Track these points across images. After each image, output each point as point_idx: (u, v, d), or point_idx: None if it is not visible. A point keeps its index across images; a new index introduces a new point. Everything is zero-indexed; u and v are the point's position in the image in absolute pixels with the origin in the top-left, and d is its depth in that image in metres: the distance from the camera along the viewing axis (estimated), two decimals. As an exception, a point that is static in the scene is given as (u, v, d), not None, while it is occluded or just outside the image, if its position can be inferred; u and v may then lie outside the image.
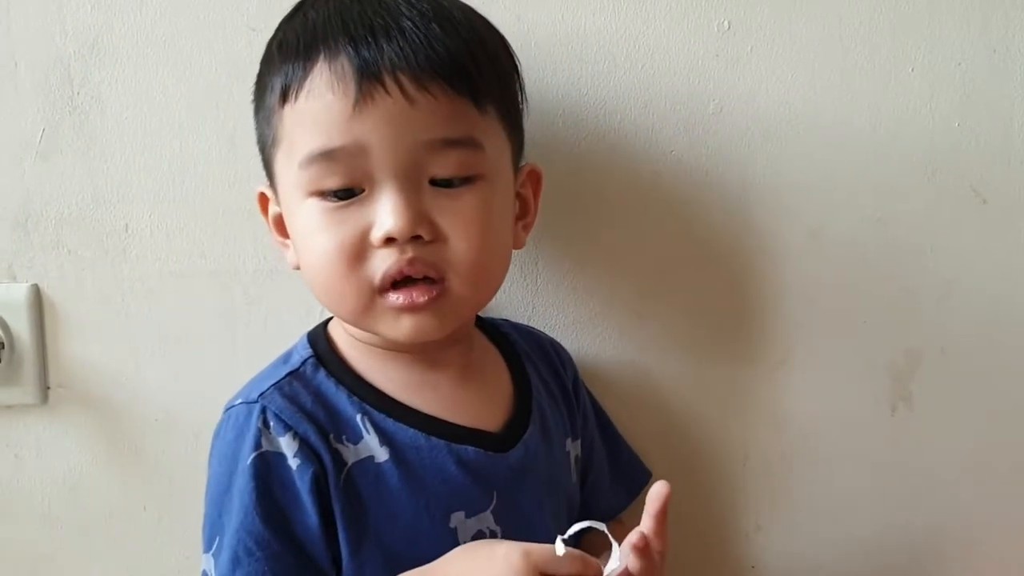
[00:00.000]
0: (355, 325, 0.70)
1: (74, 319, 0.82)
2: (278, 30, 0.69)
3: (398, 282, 0.65)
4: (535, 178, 0.75)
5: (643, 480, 0.85)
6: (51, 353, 0.83)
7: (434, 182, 0.66)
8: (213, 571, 0.66)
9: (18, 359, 0.81)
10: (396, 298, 0.65)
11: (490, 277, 0.70)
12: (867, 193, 0.85)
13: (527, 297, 0.85)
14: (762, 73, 0.83)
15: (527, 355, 0.79)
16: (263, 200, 0.74)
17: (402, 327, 0.67)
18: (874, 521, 0.89)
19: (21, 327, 0.81)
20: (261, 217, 0.76)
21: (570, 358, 0.83)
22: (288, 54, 0.66)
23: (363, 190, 0.65)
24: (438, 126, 0.64)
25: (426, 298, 0.65)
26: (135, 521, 0.85)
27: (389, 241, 0.64)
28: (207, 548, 0.67)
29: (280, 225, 0.72)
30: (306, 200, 0.66)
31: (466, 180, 0.66)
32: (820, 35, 0.83)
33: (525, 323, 0.84)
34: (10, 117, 0.80)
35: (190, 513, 0.73)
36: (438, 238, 0.65)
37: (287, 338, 0.75)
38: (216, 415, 0.71)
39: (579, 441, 0.81)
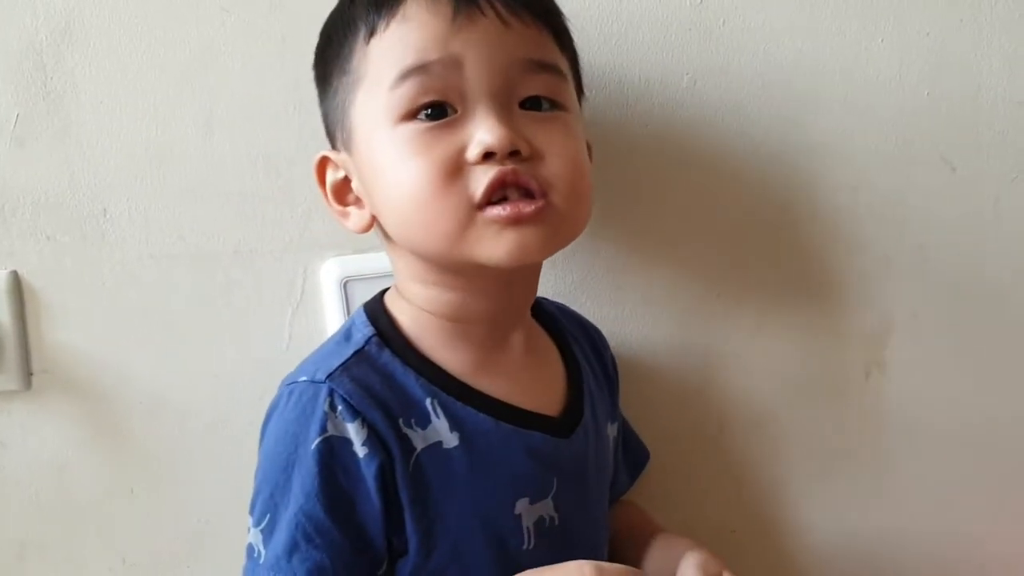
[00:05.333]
0: (447, 253, 0.64)
1: (55, 304, 0.82)
2: None
3: (496, 201, 0.63)
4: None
5: (644, 461, 0.86)
6: (33, 339, 0.82)
7: (523, 105, 0.65)
8: (262, 546, 0.65)
9: (0, 346, 0.81)
10: (501, 209, 0.62)
11: (585, 200, 0.67)
12: (840, 162, 0.86)
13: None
14: (735, 46, 0.84)
15: (574, 337, 0.78)
16: (322, 166, 0.71)
17: (504, 243, 0.63)
18: (849, 485, 0.90)
19: (2, 314, 0.80)
20: (241, 199, 0.76)
21: (605, 340, 0.82)
22: None
23: (456, 111, 0.64)
24: (530, 48, 0.65)
25: (533, 208, 0.62)
26: (122, 504, 0.84)
27: (487, 157, 0.62)
28: (256, 523, 0.65)
29: (339, 192, 0.70)
30: (396, 128, 0.64)
31: (553, 105, 0.66)
32: (791, 7, 0.84)
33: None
34: (-17, 103, 0.80)
35: (177, 496, 0.74)
36: (535, 155, 0.64)
37: (267, 319, 0.76)
38: (199, 395, 0.72)
39: (616, 423, 0.80)
